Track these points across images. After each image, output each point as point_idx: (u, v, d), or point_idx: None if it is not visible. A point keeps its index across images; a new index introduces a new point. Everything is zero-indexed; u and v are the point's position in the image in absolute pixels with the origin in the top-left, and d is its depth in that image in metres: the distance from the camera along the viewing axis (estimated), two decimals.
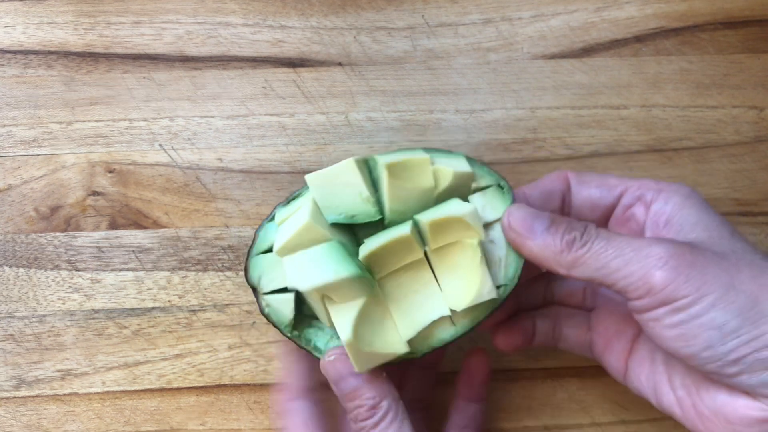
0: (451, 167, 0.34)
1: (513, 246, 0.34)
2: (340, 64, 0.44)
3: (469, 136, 0.44)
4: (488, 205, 0.35)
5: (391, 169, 0.33)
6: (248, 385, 0.43)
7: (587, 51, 0.45)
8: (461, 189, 0.35)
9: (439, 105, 0.44)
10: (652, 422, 0.44)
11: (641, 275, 0.30)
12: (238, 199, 0.44)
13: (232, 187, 0.44)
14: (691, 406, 0.32)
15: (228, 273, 0.44)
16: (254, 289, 0.35)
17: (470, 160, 0.35)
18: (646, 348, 0.35)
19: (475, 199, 0.35)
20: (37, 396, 0.43)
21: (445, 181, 0.34)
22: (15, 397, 0.43)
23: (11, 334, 0.43)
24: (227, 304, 0.43)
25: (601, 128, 0.44)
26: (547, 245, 0.32)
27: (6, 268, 0.43)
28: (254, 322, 0.43)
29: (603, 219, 0.37)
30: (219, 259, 0.44)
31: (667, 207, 0.33)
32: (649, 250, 0.30)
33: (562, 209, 0.37)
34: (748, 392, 0.30)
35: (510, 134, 0.44)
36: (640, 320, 0.31)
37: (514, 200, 0.35)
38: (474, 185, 0.35)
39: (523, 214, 0.33)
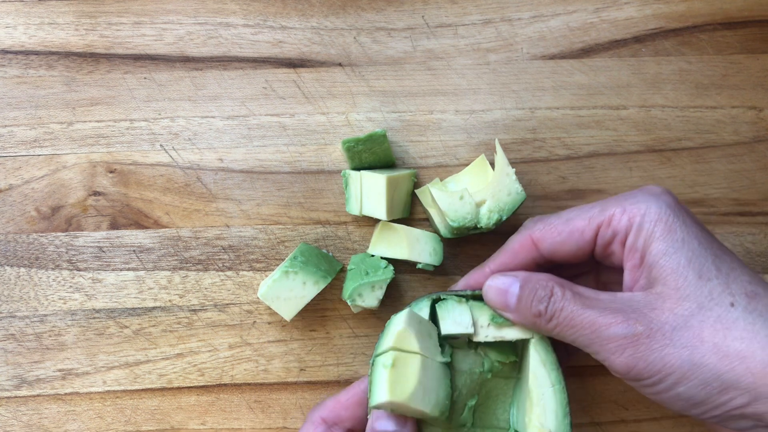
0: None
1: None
2: (340, 64, 0.45)
3: (468, 137, 0.44)
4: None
5: None
6: (248, 384, 0.43)
7: (586, 51, 0.45)
8: None
9: (439, 105, 0.44)
10: (651, 422, 0.44)
11: (605, 357, 0.32)
12: (239, 199, 0.44)
13: (232, 187, 0.44)
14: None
15: (228, 273, 0.44)
16: None
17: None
18: None
19: None
20: (38, 395, 0.43)
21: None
22: (16, 397, 0.43)
23: (12, 334, 0.43)
24: (228, 304, 0.44)
25: (601, 128, 0.44)
26: (522, 319, 0.35)
27: (7, 267, 0.43)
28: (255, 322, 0.44)
29: (587, 260, 0.37)
30: (219, 259, 0.44)
31: (638, 243, 0.33)
32: (609, 333, 0.32)
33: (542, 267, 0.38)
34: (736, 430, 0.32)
35: (509, 134, 0.44)
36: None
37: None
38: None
39: (496, 287, 0.36)
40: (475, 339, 0.36)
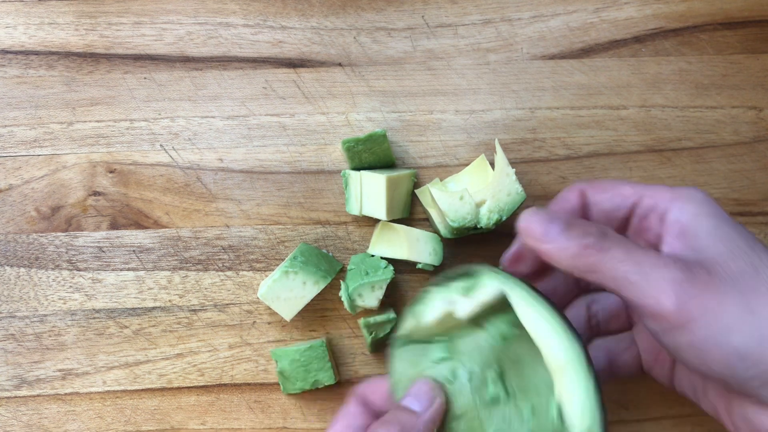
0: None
1: (531, 248, 0.33)
2: (340, 64, 0.45)
3: (468, 137, 0.44)
4: None
5: None
6: (248, 384, 0.43)
7: (586, 51, 0.45)
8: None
9: (439, 105, 0.44)
10: (651, 422, 0.44)
11: (655, 295, 0.29)
12: (239, 199, 0.44)
13: (232, 187, 0.44)
14: (726, 413, 0.33)
15: (228, 273, 0.44)
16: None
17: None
18: None
19: None
20: (38, 395, 0.43)
21: None
22: (16, 397, 0.43)
23: (12, 334, 0.43)
24: (228, 304, 0.44)
25: (601, 128, 0.44)
26: (562, 248, 0.31)
27: (7, 267, 0.43)
28: (255, 322, 0.44)
29: (619, 230, 0.36)
30: (219, 259, 0.44)
31: (682, 217, 0.33)
32: (665, 272, 0.30)
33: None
34: None
35: (509, 134, 0.44)
36: (654, 335, 0.31)
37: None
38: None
39: (538, 218, 0.32)
40: (458, 315, 0.35)
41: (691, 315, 0.29)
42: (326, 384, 0.42)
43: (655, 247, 0.34)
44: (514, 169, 0.40)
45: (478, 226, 0.40)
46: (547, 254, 0.32)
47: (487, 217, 0.40)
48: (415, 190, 0.44)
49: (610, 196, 0.35)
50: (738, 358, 0.29)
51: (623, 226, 0.36)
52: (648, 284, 0.30)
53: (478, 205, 0.40)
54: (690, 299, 0.29)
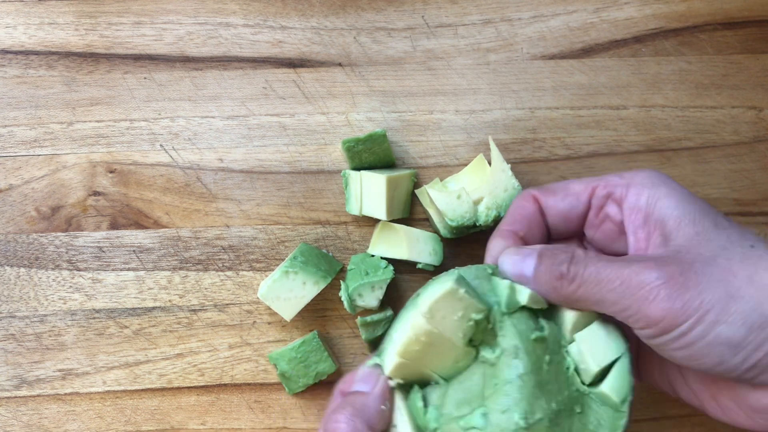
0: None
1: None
2: (340, 64, 0.45)
3: (468, 137, 0.44)
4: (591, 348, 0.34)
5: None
6: (249, 384, 0.43)
7: (586, 51, 0.45)
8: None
9: (439, 105, 0.44)
10: (651, 422, 0.44)
11: (637, 309, 0.30)
12: (239, 199, 0.44)
13: (232, 187, 0.44)
14: (711, 398, 0.32)
15: (228, 273, 0.44)
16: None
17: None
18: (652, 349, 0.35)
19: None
20: (38, 395, 0.43)
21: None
22: (16, 397, 0.43)
23: (12, 334, 0.43)
24: (228, 304, 0.44)
25: (601, 128, 0.44)
26: (541, 287, 0.32)
27: (7, 267, 0.43)
28: (255, 322, 0.44)
29: (579, 228, 0.36)
30: (219, 259, 0.44)
31: (640, 201, 0.33)
32: (639, 280, 0.29)
33: (545, 229, 0.37)
34: None
35: (509, 134, 0.44)
36: (646, 341, 0.31)
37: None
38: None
39: (511, 260, 0.33)
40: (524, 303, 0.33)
41: (676, 320, 0.29)
42: (329, 373, 0.42)
43: (617, 235, 0.34)
44: (509, 165, 0.40)
45: (477, 224, 0.40)
46: (538, 294, 0.33)
47: (485, 214, 0.40)
48: (415, 190, 0.44)
49: (562, 196, 0.35)
50: (730, 352, 0.29)
51: (581, 224, 0.36)
52: (629, 300, 0.30)
53: (476, 203, 0.40)
54: (673, 303, 0.29)
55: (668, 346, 0.30)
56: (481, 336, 0.33)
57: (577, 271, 0.31)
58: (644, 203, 0.32)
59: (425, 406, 0.33)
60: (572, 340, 0.33)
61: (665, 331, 0.29)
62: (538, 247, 0.33)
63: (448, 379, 0.34)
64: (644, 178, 0.33)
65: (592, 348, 0.33)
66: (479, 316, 0.32)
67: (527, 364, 0.32)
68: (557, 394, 0.32)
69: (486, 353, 0.33)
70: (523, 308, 0.33)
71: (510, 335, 0.32)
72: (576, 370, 0.33)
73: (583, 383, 0.33)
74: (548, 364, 0.33)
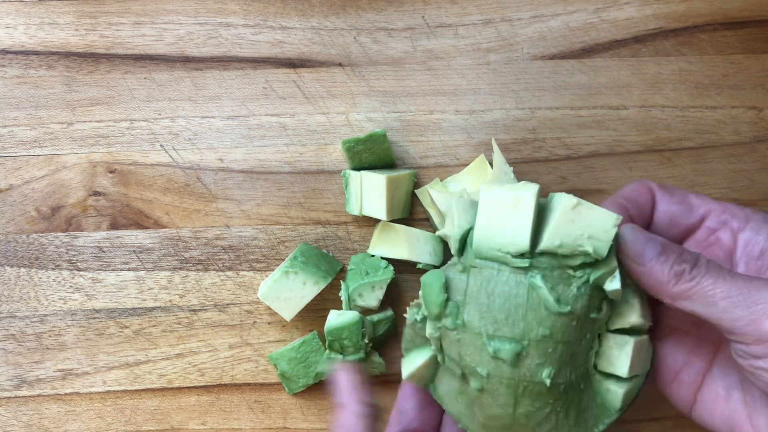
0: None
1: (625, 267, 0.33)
2: (340, 64, 0.45)
3: (468, 137, 0.44)
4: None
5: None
6: (249, 384, 0.43)
7: (587, 51, 0.45)
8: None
9: (439, 105, 0.44)
10: (651, 422, 0.44)
11: (750, 320, 0.29)
12: (239, 199, 0.44)
13: (232, 187, 0.44)
14: (747, 419, 0.32)
15: (228, 273, 0.44)
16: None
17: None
18: (721, 384, 0.34)
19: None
20: (38, 395, 0.43)
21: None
22: (16, 397, 0.43)
23: (12, 334, 0.43)
24: (228, 304, 0.44)
25: (601, 129, 0.45)
26: (655, 273, 0.31)
27: (7, 268, 0.43)
28: (255, 322, 0.44)
29: (680, 237, 0.36)
30: (220, 259, 0.44)
31: (759, 237, 0.33)
32: (760, 296, 0.29)
33: (650, 221, 0.36)
34: None
35: (509, 134, 0.44)
36: (742, 363, 0.31)
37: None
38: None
39: (634, 237, 0.32)
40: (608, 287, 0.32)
41: None
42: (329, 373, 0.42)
43: (721, 262, 0.34)
44: (512, 168, 0.40)
45: None
46: (637, 277, 0.32)
47: None
48: (415, 190, 0.44)
49: (677, 200, 0.35)
50: None
51: (684, 235, 0.36)
52: (743, 311, 0.29)
53: None
54: None
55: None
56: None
57: (698, 272, 0.31)
58: (763, 240, 0.33)
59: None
60: (611, 330, 0.34)
61: None
62: (660, 238, 0.32)
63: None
64: (764, 217, 0.34)
65: (631, 357, 0.33)
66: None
67: (572, 334, 0.32)
68: (578, 368, 0.33)
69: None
70: (595, 287, 0.32)
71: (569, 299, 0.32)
72: (597, 353, 0.34)
73: (595, 366, 0.34)
74: (584, 340, 0.33)
